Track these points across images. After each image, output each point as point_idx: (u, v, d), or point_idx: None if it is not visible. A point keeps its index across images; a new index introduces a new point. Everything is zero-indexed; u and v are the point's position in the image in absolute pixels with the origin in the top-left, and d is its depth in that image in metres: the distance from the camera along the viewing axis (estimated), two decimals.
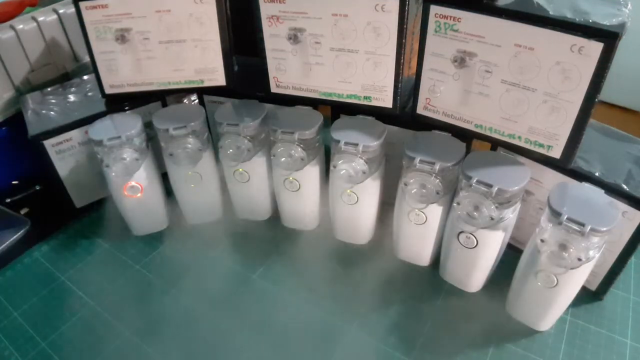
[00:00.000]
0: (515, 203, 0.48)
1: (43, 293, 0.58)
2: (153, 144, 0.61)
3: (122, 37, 0.57)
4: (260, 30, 0.55)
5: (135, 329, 0.53)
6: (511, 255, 0.54)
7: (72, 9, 0.62)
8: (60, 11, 0.70)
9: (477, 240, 0.50)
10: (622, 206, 0.46)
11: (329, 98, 0.57)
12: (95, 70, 0.60)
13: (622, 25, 0.39)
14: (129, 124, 0.57)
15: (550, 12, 0.41)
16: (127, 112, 0.63)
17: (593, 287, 0.54)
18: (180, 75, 0.60)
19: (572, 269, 0.43)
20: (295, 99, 0.59)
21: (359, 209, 0.57)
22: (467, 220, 0.48)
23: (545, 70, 0.43)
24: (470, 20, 0.45)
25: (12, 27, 0.65)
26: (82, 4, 0.56)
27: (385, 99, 0.55)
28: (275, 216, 0.66)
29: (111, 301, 0.56)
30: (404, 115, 0.56)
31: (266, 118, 0.58)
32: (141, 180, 0.59)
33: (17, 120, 0.65)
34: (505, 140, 0.49)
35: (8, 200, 0.69)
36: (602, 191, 0.45)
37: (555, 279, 0.45)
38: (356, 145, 0.51)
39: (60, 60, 0.72)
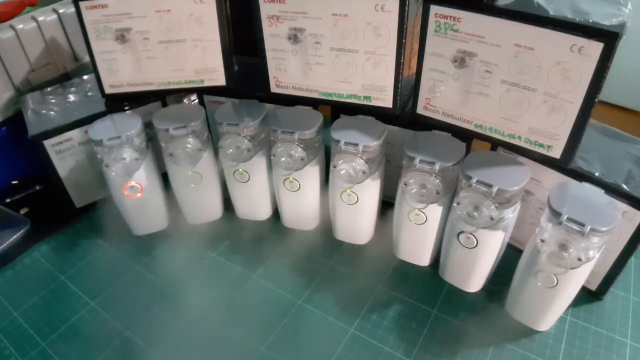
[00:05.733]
0: (515, 203, 0.48)
1: (43, 293, 0.58)
2: (153, 144, 0.61)
3: (122, 37, 0.57)
4: (260, 30, 0.55)
5: (135, 329, 0.53)
6: (511, 255, 0.54)
7: (72, 9, 0.62)
8: (60, 11, 0.70)
9: (477, 240, 0.50)
10: (622, 206, 0.46)
11: (329, 98, 0.57)
12: (95, 70, 0.60)
13: (622, 25, 0.39)
14: (129, 124, 0.57)
15: (550, 12, 0.41)
16: (127, 112, 0.63)
17: (593, 287, 0.54)
18: (180, 75, 0.60)
19: (572, 269, 0.43)
20: (295, 99, 0.59)
21: (359, 209, 0.57)
22: (467, 220, 0.48)
23: (545, 70, 0.43)
24: (470, 20, 0.45)
25: (12, 27, 0.65)
26: (82, 4, 0.56)
27: (385, 99, 0.55)
28: (275, 216, 0.67)
29: (111, 301, 0.56)
30: (404, 115, 0.56)
31: (266, 118, 0.58)
32: (141, 180, 0.59)
33: (17, 120, 0.65)
34: (505, 140, 0.49)
35: (8, 200, 0.69)
36: (602, 191, 0.45)
37: (555, 279, 0.45)
38: (356, 145, 0.51)
39: (60, 60, 0.72)
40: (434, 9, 0.47)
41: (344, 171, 0.52)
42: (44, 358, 0.51)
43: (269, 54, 0.56)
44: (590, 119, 0.43)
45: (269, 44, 0.55)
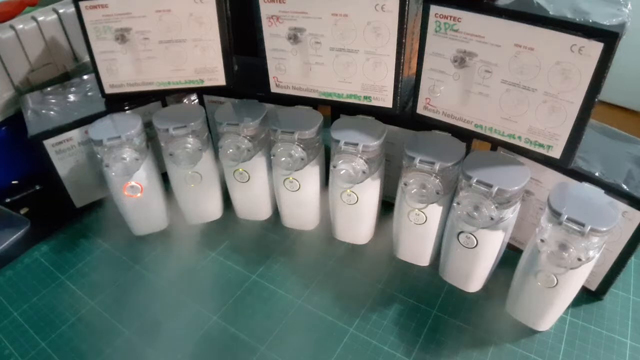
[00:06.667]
0: (515, 203, 0.48)
1: (43, 293, 0.58)
2: (153, 144, 0.62)
3: (122, 36, 0.57)
4: (260, 30, 0.55)
5: (135, 329, 0.53)
6: (511, 255, 0.54)
7: (72, 9, 0.62)
8: (60, 11, 0.70)
9: (477, 240, 0.50)
10: (622, 206, 0.46)
11: (329, 98, 0.57)
12: (95, 70, 0.60)
13: (622, 25, 0.39)
14: (129, 124, 0.57)
15: (550, 12, 0.41)
16: (127, 112, 0.63)
17: (593, 287, 0.54)
18: (180, 75, 0.60)
19: (572, 269, 0.43)
20: (295, 99, 0.59)
21: (359, 209, 0.57)
22: (467, 220, 0.48)
23: (545, 70, 0.43)
24: (470, 20, 0.45)
25: (12, 27, 0.65)
26: (82, 4, 0.56)
27: (385, 99, 0.55)
28: (275, 216, 0.67)
29: (111, 301, 0.56)
30: (404, 115, 0.56)
31: (266, 118, 0.58)
32: (141, 180, 0.59)
33: (17, 120, 0.65)
34: (505, 140, 0.49)
35: (8, 200, 0.69)
36: (602, 191, 0.45)
37: (555, 279, 0.45)
38: (356, 145, 0.51)
39: (60, 60, 0.72)
40: (434, 9, 0.47)
41: (344, 171, 0.52)
42: (44, 358, 0.51)
43: (269, 54, 0.56)
44: (590, 119, 0.43)
45: (269, 44, 0.55)
